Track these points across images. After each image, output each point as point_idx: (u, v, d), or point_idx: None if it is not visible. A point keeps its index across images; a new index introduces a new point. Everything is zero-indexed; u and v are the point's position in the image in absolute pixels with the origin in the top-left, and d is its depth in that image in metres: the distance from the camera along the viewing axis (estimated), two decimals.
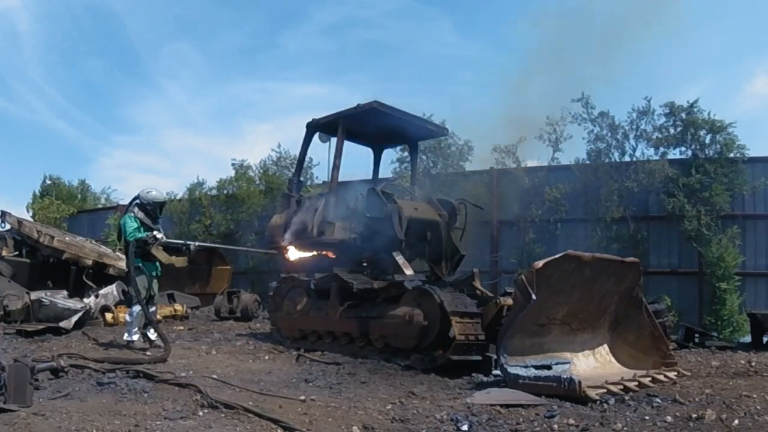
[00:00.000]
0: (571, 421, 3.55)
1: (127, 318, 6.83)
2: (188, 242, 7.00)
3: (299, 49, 39.03)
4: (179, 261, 6.91)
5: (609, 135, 10.72)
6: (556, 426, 3.46)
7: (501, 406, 3.92)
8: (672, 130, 10.29)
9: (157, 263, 6.81)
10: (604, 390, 4.33)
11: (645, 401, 4.14)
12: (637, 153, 10.62)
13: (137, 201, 6.75)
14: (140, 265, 6.53)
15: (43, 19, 37.52)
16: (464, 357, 5.47)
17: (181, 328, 8.97)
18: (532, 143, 11.38)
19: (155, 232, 6.54)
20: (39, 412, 3.47)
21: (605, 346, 5.58)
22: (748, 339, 8.30)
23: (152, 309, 6.94)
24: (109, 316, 8.79)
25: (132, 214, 6.63)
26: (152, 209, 6.76)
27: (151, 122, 41.74)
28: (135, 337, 6.63)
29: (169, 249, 6.81)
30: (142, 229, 6.54)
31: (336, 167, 7.34)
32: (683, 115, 10.14)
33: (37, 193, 18.85)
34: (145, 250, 6.55)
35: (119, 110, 39.79)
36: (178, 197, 15.17)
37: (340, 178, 7.61)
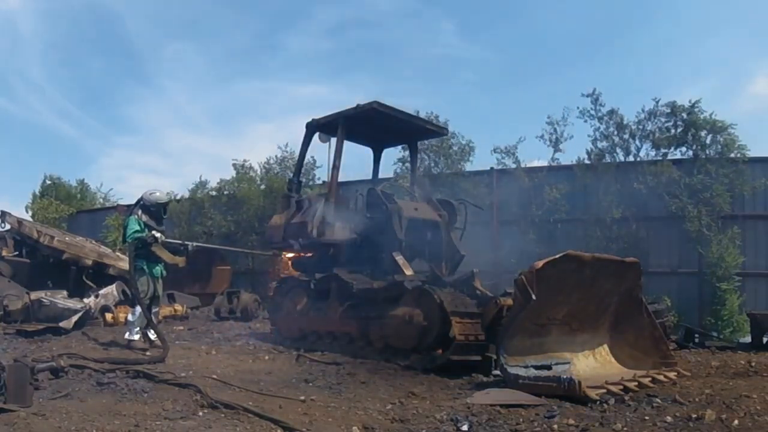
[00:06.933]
0: (571, 421, 3.55)
1: (129, 317, 6.86)
2: (186, 242, 7.06)
3: (300, 49, 39.04)
4: (181, 261, 6.96)
5: (615, 134, 10.71)
6: (556, 426, 3.46)
7: (501, 406, 3.91)
8: (673, 130, 10.30)
9: (161, 264, 6.82)
10: (604, 390, 4.32)
11: (645, 401, 4.14)
12: (641, 153, 10.65)
13: (141, 203, 6.78)
14: (144, 266, 6.57)
15: (44, 19, 37.55)
16: (464, 357, 5.47)
17: (181, 328, 8.97)
18: (531, 143, 11.39)
19: (154, 232, 6.55)
20: (39, 412, 3.47)
21: (605, 346, 5.57)
22: (748, 339, 8.29)
23: (155, 309, 6.97)
24: (109, 316, 8.80)
25: (135, 217, 6.66)
26: (156, 210, 6.80)
27: (152, 122, 41.75)
28: (136, 337, 6.65)
29: (168, 249, 6.84)
30: (145, 230, 6.56)
31: (336, 167, 7.35)
32: (684, 115, 10.15)
33: (37, 194, 18.83)
34: (149, 251, 6.56)
35: (120, 110, 39.77)
36: (178, 197, 15.18)
37: (340, 178, 7.62)
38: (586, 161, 10.92)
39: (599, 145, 10.82)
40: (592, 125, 10.88)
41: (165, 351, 5.70)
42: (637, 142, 10.61)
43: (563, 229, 10.77)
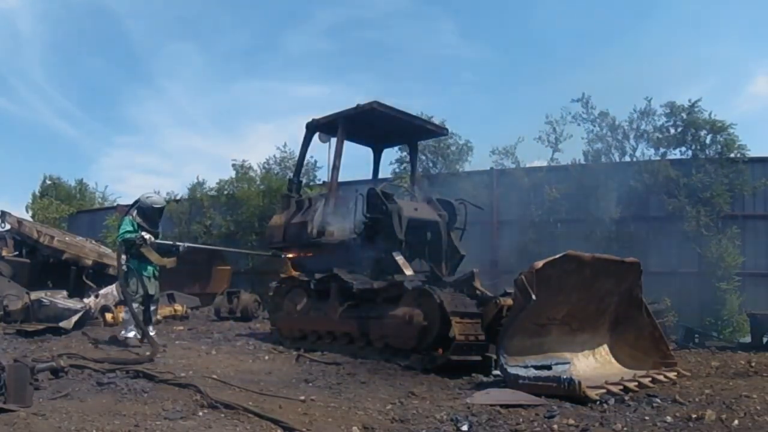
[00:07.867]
0: (571, 422, 3.55)
1: (124, 316, 6.94)
2: (177, 243, 7.15)
3: (300, 49, 39.03)
4: (170, 262, 7.00)
5: (609, 135, 10.73)
6: (556, 426, 3.46)
7: (501, 406, 3.91)
8: (672, 130, 10.30)
9: (153, 265, 6.88)
10: (604, 390, 4.33)
11: (645, 401, 4.14)
12: (638, 153, 10.65)
13: (138, 204, 6.90)
14: (134, 266, 6.69)
15: (44, 19, 37.54)
16: (464, 357, 5.47)
17: (181, 328, 8.97)
18: (530, 144, 11.43)
19: (143, 233, 6.65)
20: (39, 412, 3.47)
21: (605, 346, 5.57)
22: (748, 339, 8.30)
23: (152, 308, 7.03)
24: (109, 316, 8.78)
25: (130, 218, 6.81)
26: (151, 214, 6.92)
27: (152, 122, 41.74)
28: (131, 334, 6.72)
29: (160, 250, 6.90)
30: (138, 231, 6.65)
31: (336, 167, 7.35)
32: (684, 115, 10.15)
33: (37, 194, 18.84)
34: (139, 251, 6.66)
35: (120, 110, 39.79)
36: (177, 197, 15.18)
37: (340, 178, 7.61)
38: (584, 162, 10.94)
39: (594, 146, 10.86)
40: (586, 128, 10.94)
41: (154, 350, 5.77)
42: (632, 142, 10.64)
43: (563, 229, 10.76)
